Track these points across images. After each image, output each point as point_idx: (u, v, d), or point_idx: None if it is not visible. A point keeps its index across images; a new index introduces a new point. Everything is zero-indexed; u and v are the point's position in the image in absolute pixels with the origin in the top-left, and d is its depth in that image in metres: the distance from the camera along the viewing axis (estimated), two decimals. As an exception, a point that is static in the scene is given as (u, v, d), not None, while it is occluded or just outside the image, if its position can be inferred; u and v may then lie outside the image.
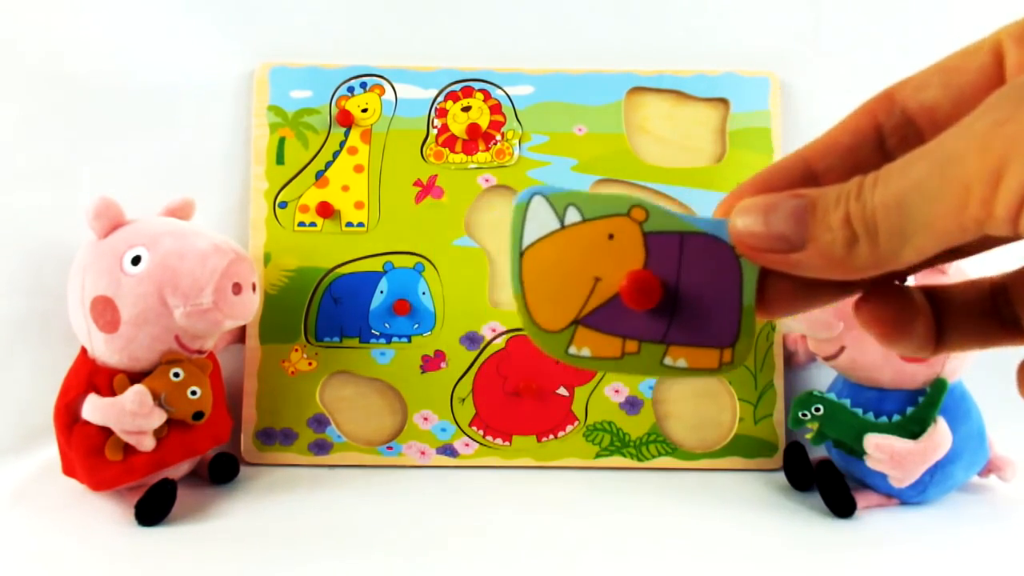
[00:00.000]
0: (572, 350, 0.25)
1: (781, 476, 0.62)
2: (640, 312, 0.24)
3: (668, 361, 0.25)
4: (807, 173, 0.23)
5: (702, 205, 0.66)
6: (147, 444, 0.53)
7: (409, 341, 0.65)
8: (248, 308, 0.56)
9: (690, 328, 0.24)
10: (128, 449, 0.53)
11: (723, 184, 0.67)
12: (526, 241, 0.25)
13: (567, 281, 0.25)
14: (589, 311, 0.25)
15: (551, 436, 0.65)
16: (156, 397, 0.53)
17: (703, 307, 0.24)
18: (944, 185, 0.18)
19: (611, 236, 0.24)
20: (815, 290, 0.23)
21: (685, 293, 0.24)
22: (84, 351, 0.56)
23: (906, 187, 0.19)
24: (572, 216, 0.24)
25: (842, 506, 0.55)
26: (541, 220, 0.24)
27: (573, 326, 0.25)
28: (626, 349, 0.25)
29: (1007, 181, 0.17)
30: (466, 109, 0.67)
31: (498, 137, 0.67)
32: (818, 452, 0.62)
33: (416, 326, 0.65)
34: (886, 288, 0.23)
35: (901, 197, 0.19)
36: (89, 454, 0.52)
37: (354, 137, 0.67)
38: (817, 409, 0.55)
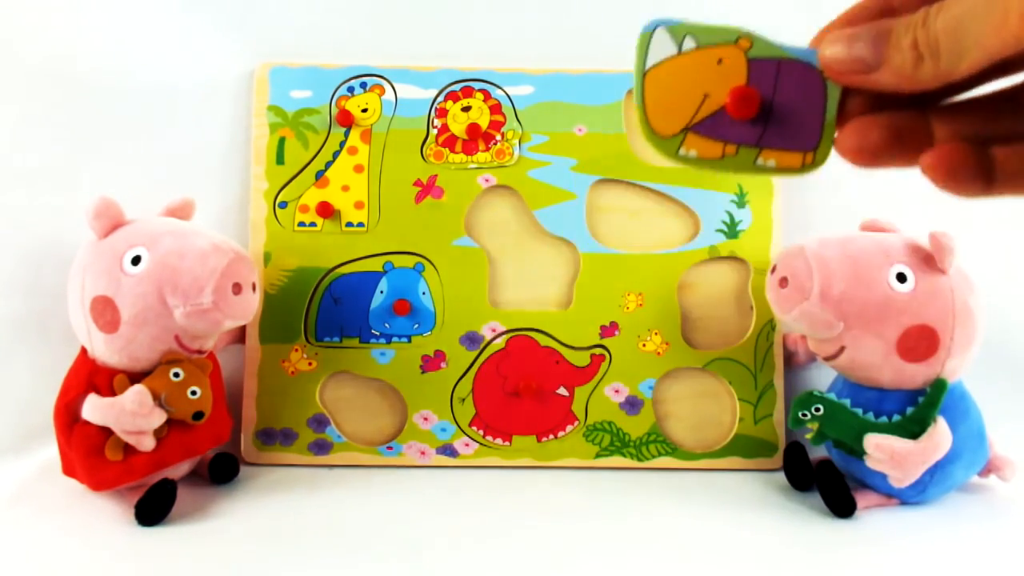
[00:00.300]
0: (682, 151, 0.31)
1: (781, 476, 0.62)
2: (740, 121, 0.30)
3: (760, 161, 0.30)
4: (886, 8, 0.28)
5: (703, 205, 0.67)
6: (147, 444, 0.53)
7: (409, 341, 0.65)
8: (248, 308, 0.56)
9: (781, 135, 0.30)
10: (128, 449, 0.53)
11: (723, 184, 0.67)
12: (648, 63, 0.31)
13: (681, 96, 0.30)
14: (698, 120, 0.30)
15: (551, 436, 0.65)
16: (156, 397, 0.53)
17: (792, 119, 0.30)
18: (989, 8, 0.23)
19: (720, 61, 0.30)
20: (884, 106, 0.28)
21: (778, 107, 0.30)
22: (84, 351, 0.56)
23: (961, 13, 0.24)
24: (688, 44, 0.31)
25: (842, 506, 0.55)
26: (662, 47, 0.31)
27: (684, 132, 0.30)
28: (726, 151, 0.30)
29: None
30: (466, 109, 0.67)
31: (498, 137, 0.67)
32: (818, 452, 0.62)
33: (416, 326, 0.65)
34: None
35: (958, 21, 0.24)
36: (89, 454, 0.52)
37: (354, 137, 0.67)
38: (817, 409, 0.55)
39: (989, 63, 0.24)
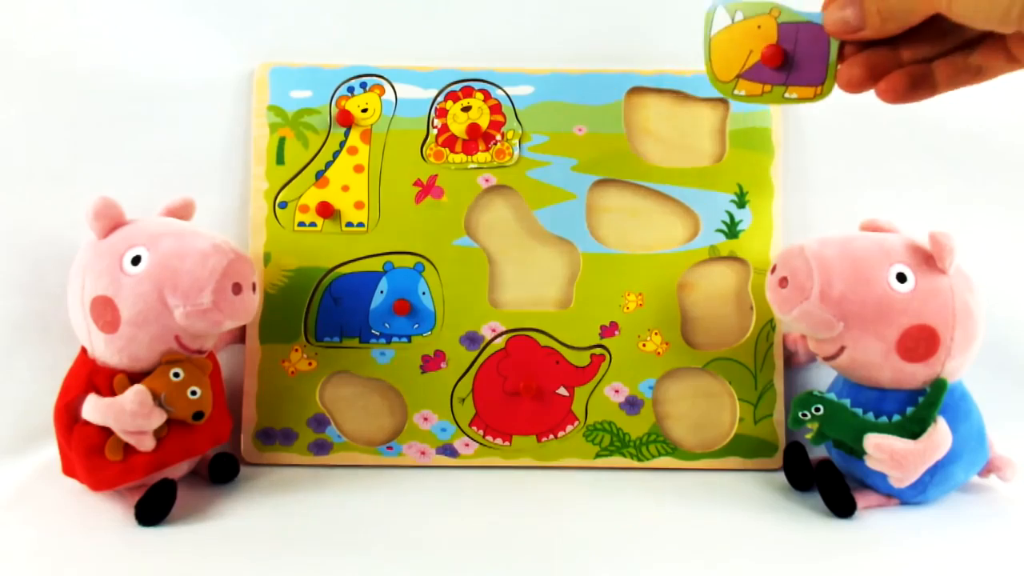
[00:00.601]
0: (735, 91, 0.48)
1: (781, 476, 0.62)
2: (772, 68, 0.46)
3: (786, 95, 0.47)
4: None
5: (703, 205, 0.67)
6: (147, 444, 0.53)
7: (409, 341, 0.65)
8: (248, 308, 0.56)
9: (799, 76, 0.46)
10: (128, 449, 0.53)
11: (723, 184, 0.67)
12: (713, 32, 0.48)
13: (733, 53, 0.47)
14: (746, 70, 0.47)
15: (551, 436, 0.65)
16: (156, 397, 0.53)
17: (807, 64, 0.46)
18: None
19: (759, 27, 0.47)
20: (869, 47, 0.43)
21: (798, 57, 0.46)
22: (84, 351, 0.56)
23: None
24: (739, 16, 0.47)
25: (842, 506, 0.55)
26: (721, 20, 0.48)
27: (736, 79, 0.48)
28: (764, 90, 0.47)
29: None
30: (466, 109, 0.67)
31: (498, 137, 0.67)
32: (818, 452, 0.62)
33: (416, 326, 0.65)
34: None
35: None
36: (89, 454, 0.52)
37: (354, 137, 0.67)
38: (817, 409, 0.55)
39: (927, 16, 0.38)
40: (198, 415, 0.54)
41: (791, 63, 0.46)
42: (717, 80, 0.48)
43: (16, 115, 0.66)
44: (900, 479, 0.53)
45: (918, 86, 0.42)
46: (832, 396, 0.56)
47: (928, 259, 0.55)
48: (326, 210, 0.65)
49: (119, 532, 0.51)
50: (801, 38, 0.47)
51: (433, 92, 0.67)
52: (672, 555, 0.50)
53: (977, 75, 0.41)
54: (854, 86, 0.43)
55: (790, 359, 0.67)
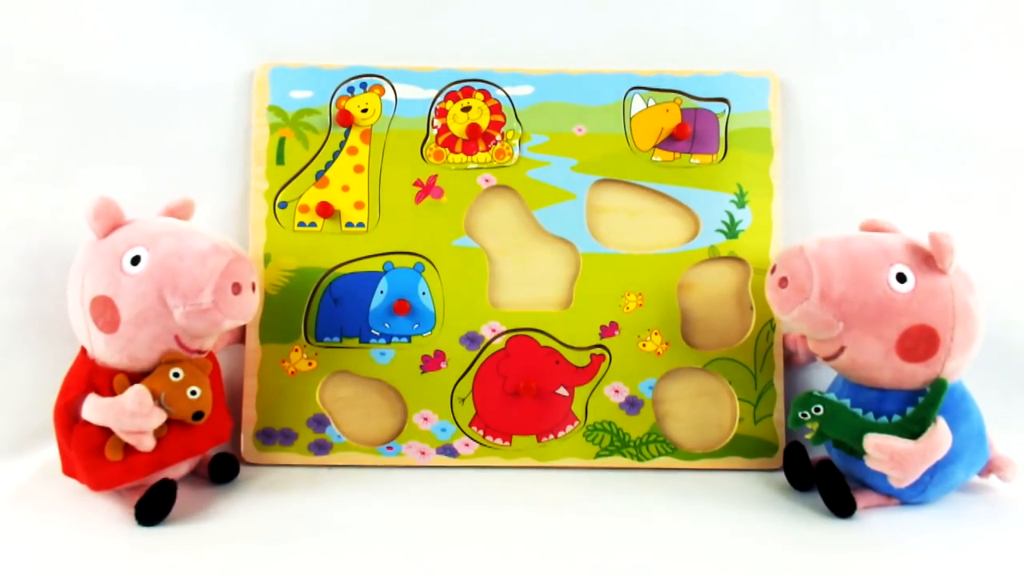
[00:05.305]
0: (653, 158, 0.65)
1: (781, 476, 0.62)
2: (680, 140, 0.65)
3: (692, 160, 0.66)
4: None
5: (703, 205, 0.67)
6: (147, 444, 0.53)
7: (409, 341, 0.65)
8: (248, 308, 0.56)
9: (701, 146, 0.66)
10: (128, 449, 0.53)
11: (723, 184, 0.67)
12: (632, 113, 0.65)
13: (650, 130, 0.66)
14: (659, 142, 0.65)
15: (551, 436, 0.65)
16: (156, 397, 0.53)
17: (705, 137, 0.66)
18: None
19: (668, 110, 0.66)
20: None
21: (698, 133, 0.66)
22: (84, 351, 0.56)
23: None
24: (651, 102, 0.66)
25: (842, 506, 0.55)
26: (638, 104, 0.66)
27: (653, 148, 0.65)
28: (675, 156, 0.65)
29: None
30: (466, 109, 0.67)
31: (498, 137, 0.67)
32: (818, 452, 0.62)
33: (416, 326, 0.65)
34: None
35: None
36: (89, 454, 0.52)
37: (354, 137, 0.67)
38: (817, 409, 0.55)
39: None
40: (198, 415, 0.54)
41: (694, 137, 0.65)
42: (637, 149, 0.65)
43: (17, 116, 0.66)
44: (900, 479, 0.53)
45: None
46: (832, 396, 0.56)
47: (928, 259, 0.55)
48: (326, 210, 0.65)
49: (119, 532, 0.51)
50: (699, 119, 0.65)
51: (433, 92, 0.67)
52: (672, 555, 0.50)
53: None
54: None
55: (790, 359, 0.67)
